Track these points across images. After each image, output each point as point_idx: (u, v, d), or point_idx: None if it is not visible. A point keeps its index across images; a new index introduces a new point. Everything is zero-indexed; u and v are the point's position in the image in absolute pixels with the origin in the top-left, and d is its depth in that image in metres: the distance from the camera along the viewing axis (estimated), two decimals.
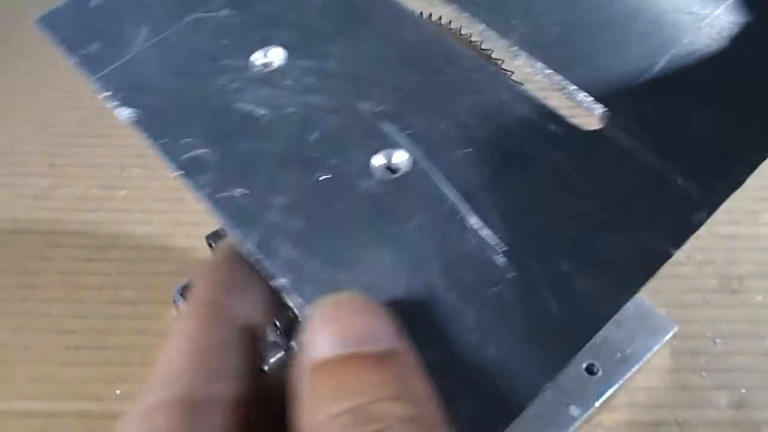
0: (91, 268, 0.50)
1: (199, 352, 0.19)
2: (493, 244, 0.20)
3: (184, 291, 0.32)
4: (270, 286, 0.21)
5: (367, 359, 0.16)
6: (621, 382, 0.41)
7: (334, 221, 0.21)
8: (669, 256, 0.20)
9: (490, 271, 0.20)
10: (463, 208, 0.21)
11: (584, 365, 0.41)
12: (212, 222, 0.52)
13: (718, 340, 0.45)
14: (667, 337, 0.43)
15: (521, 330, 0.19)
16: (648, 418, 0.41)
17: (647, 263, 0.20)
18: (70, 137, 0.59)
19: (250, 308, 0.21)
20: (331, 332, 0.17)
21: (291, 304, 0.21)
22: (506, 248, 0.20)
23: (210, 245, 0.35)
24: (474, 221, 0.21)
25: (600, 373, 0.41)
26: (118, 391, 0.43)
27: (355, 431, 0.15)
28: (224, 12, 0.27)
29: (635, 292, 0.19)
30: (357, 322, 0.17)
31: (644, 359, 0.41)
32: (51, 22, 0.28)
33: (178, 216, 0.53)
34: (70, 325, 0.46)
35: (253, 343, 0.20)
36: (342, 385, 0.16)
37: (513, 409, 0.18)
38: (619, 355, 0.42)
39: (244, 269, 0.21)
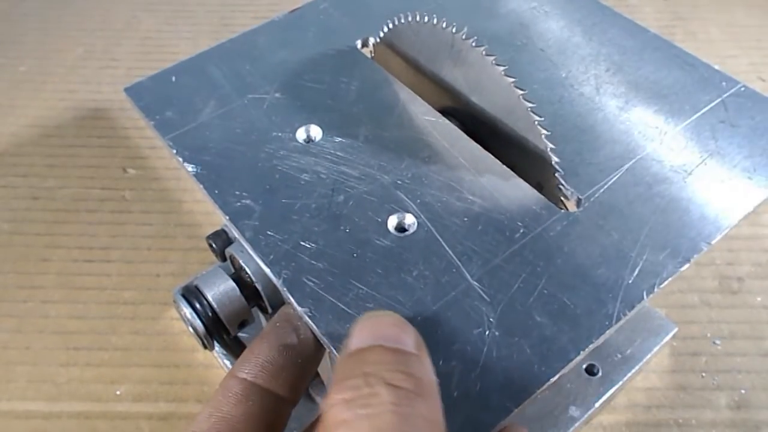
0: (91, 268, 0.50)
1: (222, 421, 0.23)
2: (480, 294, 0.25)
3: (184, 292, 0.32)
4: (301, 369, 0.25)
5: (386, 348, 0.21)
6: (621, 382, 0.41)
7: (353, 266, 0.26)
8: (622, 316, 0.24)
9: (475, 315, 0.24)
10: (458, 264, 0.26)
11: (584, 366, 0.41)
12: (212, 223, 0.52)
13: (717, 341, 0.45)
14: (667, 338, 0.43)
15: (497, 364, 0.23)
16: (648, 418, 0.41)
17: (603, 321, 0.24)
18: (70, 138, 0.59)
19: (278, 388, 0.24)
20: (366, 332, 0.22)
21: (317, 331, 0.24)
22: (489, 300, 0.25)
23: (210, 245, 0.35)
24: (465, 275, 0.25)
25: (600, 373, 0.41)
26: (117, 392, 0.43)
27: (357, 392, 0.19)
28: (277, 95, 0.33)
29: (592, 342, 0.24)
30: (388, 329, 0.22)
31: (644, 360, 0.42)
32: (135, 91, 0.33)
33: (178, 217, 0.53)
34: (69, 326, 0.46)
35: (274, 417, 0.24)
36: (364, 361, 0.20)
37: (485, 426, 0.22)
38: (619, 355, 0.42)
39: (282, 351, 0.25)
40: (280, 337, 0.26)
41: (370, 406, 0.19)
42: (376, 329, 0.22)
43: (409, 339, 0.22)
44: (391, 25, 0.34)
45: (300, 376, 0.25)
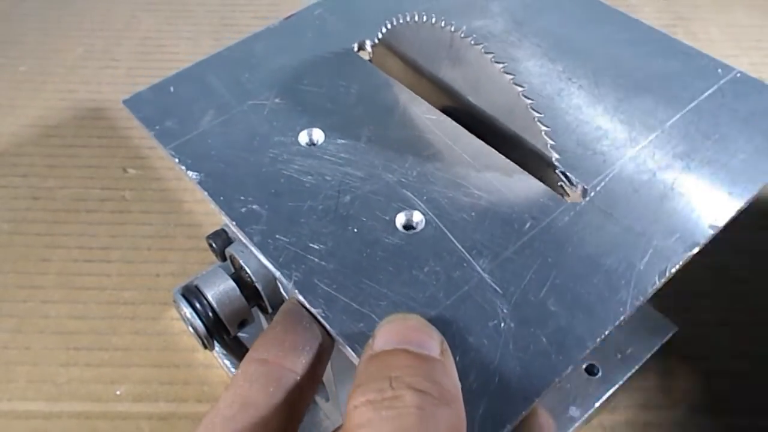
0: (91, 268, 0.50)
1: (244, 407, 0.23)
2: (492, 287, 0.25)
3: (184, 291, 0.32)
4: (319, 349, 0.25)
5: (411, 354, 0.21)
6: (621, 382, 0.41)
7: (363, 266, 0.26)
8: (636, 302, 0.25)
9: (489, 308, 0.24)
10: (468, 258, 0.26)
11: (584, 366, 0.41)
12: (212, 223, 0.52)
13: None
14: (667, 338, 0.43)
15: (515, 355, 0.23)
16: (648, 418, 0.41)
17: (617, 308, 0.24)
18: (70, 138, 0.59)
19: (298, 368, 0.24)
20: (391, 335, 0.22)
21: (332, 331, 0.24)
22: (502, 292, 0.25)
23: (210, 245, 0.35)
24: (477, 268, 0.25)
25: (600, 373, 0.41)
26: (118, 392, 0.43)
27: (381, 394, 0.20)
28: (276, 100, 0.33)
29: (609, 330, 0.24)
30: (413, 333, 0.22)
31: (644, 359, 0.41)
32: (134, 103, 0.33)
33: (178, 217, 0.53)
34: (70, 326, 0.46)
35: (295, 400, 0.24)
36: (389, 364, 0.21)
37: (507, 418, 0.22)
38: (619, 355, 0.42)
39: (298, 332, 0.25)
40: (294, 322, 0.25)
41: (394, 408, 0.19)
42: (401, 332, 0.22)
43: (434, 344, 0.22)
44: (389, 26, 0.34)
45: (319, 357, 0.25)
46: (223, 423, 0.23)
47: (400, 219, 0.27)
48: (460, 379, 0.22)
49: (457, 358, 0.23)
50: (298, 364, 0.24)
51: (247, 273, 0.31)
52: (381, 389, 0.20)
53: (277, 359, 0.24)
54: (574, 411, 0.39)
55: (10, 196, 0.55)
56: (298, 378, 0.24)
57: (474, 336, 0.24)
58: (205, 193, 0.29)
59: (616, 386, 0.40)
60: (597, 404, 0.40)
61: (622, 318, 0.24)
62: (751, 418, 0.41)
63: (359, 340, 0.23)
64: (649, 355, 0.42)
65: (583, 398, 0.40)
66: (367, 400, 0.20)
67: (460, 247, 0.26)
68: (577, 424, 0.39)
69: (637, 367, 0.41)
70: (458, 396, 0.21)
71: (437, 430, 0.19)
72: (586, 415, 0.39)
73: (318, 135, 0.31)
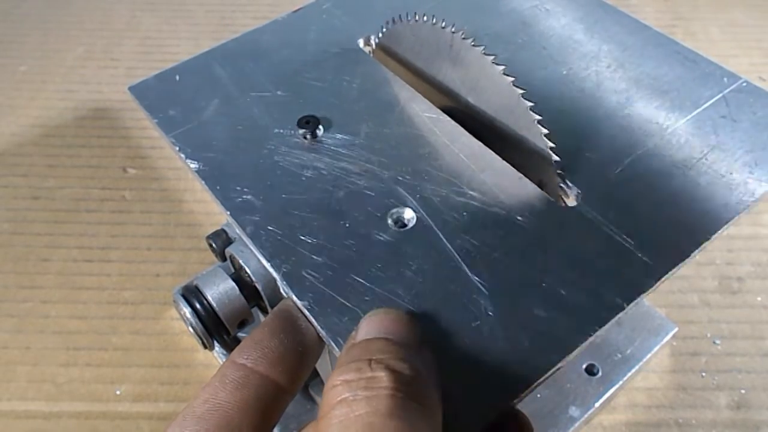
0: (91, 268, 0.50)
1: (214, 407, 0.23)
2: (479, 287, 0.25)
3: (184, 291, 0.32)
4: (301, 358, 0.25)
5: (390, 341, 0.22)
6: (621, 382, 0.41)
7: (352, 261, 0.26)
8: (621, 308, 0.24)
9: (474, 309, 0.24)
10: (457, 257, 0.26)
11: (584, 366, 0.41)
12: (212, 223, 0.52)
13: (717, 341, 0.45)
14: (667, 338, 0.43)
15: (495, 356, 0.23)
16: (648, 418, 0.41)
17: (602, 314, 0.24)
18: (70, 138, 0.59)
19: (275, 375, 0.24)
20: (372, 327, 0.23)
21: (316, 324, 0.25)
22: (488, 293, 0.25)
23: (210, 245, 0.35)
24: (464, 269, 0.26)
25: (600, 373, 0.41)
26: (118, 392, 0.43)
27: (359, 374, 0.20)
28: (279, 93, 0.33)
29: (591, 335, 0.24)
30: (394, 325, 0.23)
31: (644, 360, 0.42)
32: (140, 90, 0.34)
33: (178, 217, 0.53)
34: (70, 326, 0.46)
35: (269, 405, 0.24)
36: (368, 349, 0.21)
37: (483, 417, 0.22)
38: (619, 355, 0.42)
39: (282, 338, 0.25)
40: (281, 326, 0.26)
41: (370, 389, 0.19)
42: (383, 324, 0.22)
43: (415, 336, 0.22)
44: (390, 26, 0.34)
45: (300, 366, 0.25)
46: (194, 421, 0.23)
47: (392, 216, 0.28)
48: (440, 378, 0.22)
49: (439, 356, 0.23)
50: (275, 372, 0.24)
51: (246, 273, 0.31)
52: (359, 369, 0.20)
53: (255, 365, 0.24)
54: (574, 411, 0.39)
55: (10, 196, 0.55)
56: (275, 385, 0.24)
57: (456, 335, 0.24)
58: (203, 182, 0.29)
59: (616, 386, 0.40)
60: (597, 404, 0.40)
61: (605, 325, 0.24)
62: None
63: (342, 335, 0.23)
64: (649, 355, 0.42)
65: (583, 398, 0.40)
66: (344, 380, 0.20)
67: (449, 246, 0.26)
68: (577, 424, 0.39)
69: (637, 367, 0.41)
70: (435, 382, 0.21)
71: (411, 412, 0.19)
72: (586, 415, 0.39)
73: (317, 128, 0.31)
